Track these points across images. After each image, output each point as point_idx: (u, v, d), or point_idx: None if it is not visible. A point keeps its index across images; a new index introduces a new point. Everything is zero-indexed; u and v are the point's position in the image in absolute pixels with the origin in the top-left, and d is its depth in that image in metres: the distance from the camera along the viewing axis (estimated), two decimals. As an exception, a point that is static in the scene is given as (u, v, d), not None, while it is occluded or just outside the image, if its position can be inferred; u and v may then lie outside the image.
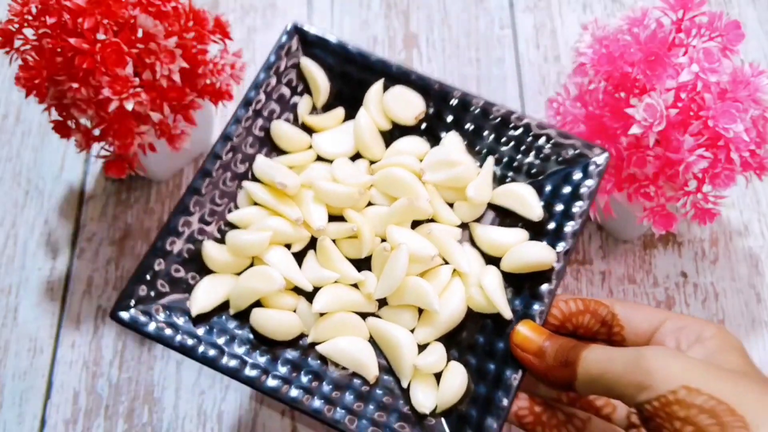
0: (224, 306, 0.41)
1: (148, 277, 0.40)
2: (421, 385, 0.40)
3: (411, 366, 0.40)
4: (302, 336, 0.41)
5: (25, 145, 0.63)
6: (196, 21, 0.51)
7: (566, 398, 0.39)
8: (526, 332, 0.36)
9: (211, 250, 0.42)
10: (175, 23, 0.49)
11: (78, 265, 0.58)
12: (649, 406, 0.29)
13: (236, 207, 0.44)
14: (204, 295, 0.41)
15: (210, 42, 0.52)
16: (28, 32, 0.48)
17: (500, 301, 0.39)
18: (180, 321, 0.40)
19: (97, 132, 0.51)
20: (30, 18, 0.48)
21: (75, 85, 0.46)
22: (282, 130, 0.45)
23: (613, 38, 0.48)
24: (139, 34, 0.48)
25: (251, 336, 0.41)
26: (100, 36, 0.46)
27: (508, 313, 0.39)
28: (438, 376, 0.40)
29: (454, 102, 0.45)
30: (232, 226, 0.44)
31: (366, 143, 0.45)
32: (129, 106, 0.46)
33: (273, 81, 0.46)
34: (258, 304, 0.41)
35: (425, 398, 0.39)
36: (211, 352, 0.39)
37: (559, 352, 0.34)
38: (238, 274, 0.42)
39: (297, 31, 0.46)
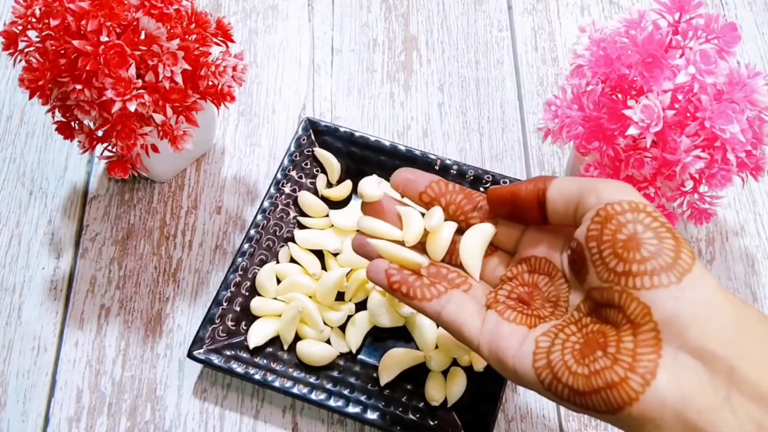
0: (275, 340, 0.54)
1: (211, 325, 0.52)
2: (433, 383, 0.51)
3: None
4: (337, 360, 0.53)
5: (29, 146, 0.64)
6: (198, 23, 0.51)
7: (427, 272, 0.39)
8: (496, 188, 0.38)
9: (258, 303, 0.55)
10: (177, 25, 0.50)
11: (81, 265, 0.58)
12: (618, 206, 0.32)
13: (277, 261, 0.57)
14: (257, 333, 0.53)
15: (212, 44, 0.52)
16: (32, 34, 0.49)
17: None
18: (242, 354, 0.52)
19: (100, 133, 0.51)
20: (34, 20, 0.48)
21: (78, 87, 0.47)
22: (306, 199, 0.58)
23: (611, 40, 0.48)
24: (142, 36, 0.48)
25: (297, 362, 0.53)
26: (104, 38, 0.46)
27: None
28: (444, 377, 0.52)
29: (436, 167, 0.58)
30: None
31: None
32: (132, 107, 0.47)
33: (292, 166, 0.59)
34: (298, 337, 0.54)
35: (436, 393, 0.51)
36: (269, 377, 0.51)
37: (530, 181, 0.37)
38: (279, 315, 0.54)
39: (310, 123, 0.60)
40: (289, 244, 0.57)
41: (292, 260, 0.57)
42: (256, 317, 0.54)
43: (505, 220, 0.39)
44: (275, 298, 0.55)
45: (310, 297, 0.54)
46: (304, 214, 0.59)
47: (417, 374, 0.52)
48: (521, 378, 0.33)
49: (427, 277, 0.38)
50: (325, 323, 0.53)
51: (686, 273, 0.30)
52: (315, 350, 0.52)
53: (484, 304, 0.37)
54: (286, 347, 0.53)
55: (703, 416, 0.28)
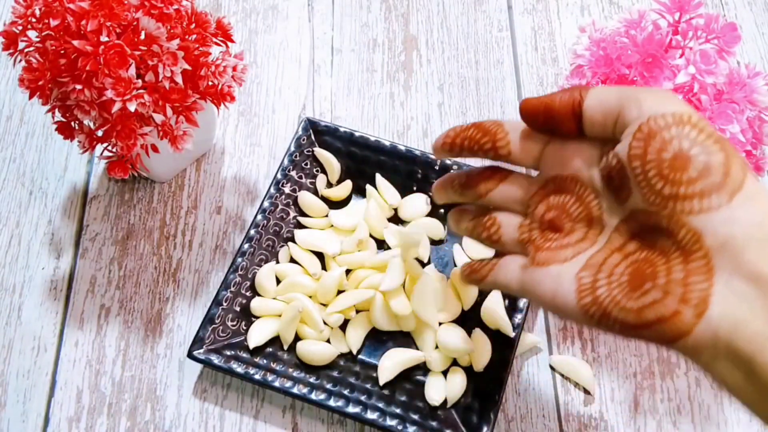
0: (275, 340, 0.54)
1: (211, 325, 0.52)
2: (433, 383, 0.51)
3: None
4: (337, 360, 0.53)
5: (29, 146, 0.64)
6: (198, 23, 0.51)
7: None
8: (529, 99, 0.36)
9: (258, 303, 0.55)
10: (177, 26, 0.50)
11: (81, 265, 0.58)
12: (661, 120, 0.30)
13: (277, 261, 0.57)
14: (257, 333, 0.53)
15: (212, 44, 0.52)
16: (32, 34, 0.49)
17: (503, 320, 0.52)
18: (242, 354, 0.52)
19: (100, 133, 0.51)
20: (34, 20, 0.48)
21: (78, 87, 0.47)
22: (306, 199, 0.59)
23: (611, 40, 0.48)
24: (142, 36, 0.48)
25: (297, 362, 0.53)
26: (103, 38, 0.46)
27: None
28: (445, 377, 0.52)
29: (436, 167, 0.58)
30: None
31: (373, 226, 0.57)
32: (132, 107, 0.47)
33: (292, 166, 0.59)
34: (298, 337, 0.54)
35: (435, 393, 0.51)
36: (269, 377, 0.51)
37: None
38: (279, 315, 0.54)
39: (310, 123, 0.60)
40: (289, 244, 0.57)
41: (293, 260, 0.57)
42: (256, 317, 0.54)
43: (539, 132, 0.37)
44: (275, 299, 0.55)
45: (310, 297, 0.54)
46: (304, 214, 0.59)
47: (417, 374, 0.52)
48: (567, 315, 0.32)
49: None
50: (324, 323, 0.53)
51: (737, 191, 0.28)
52: (315, 350, 0.52)
53: (518, 241, 0.37)
54: (286, 347, 0.53)
55: (752, 344, 0.27)
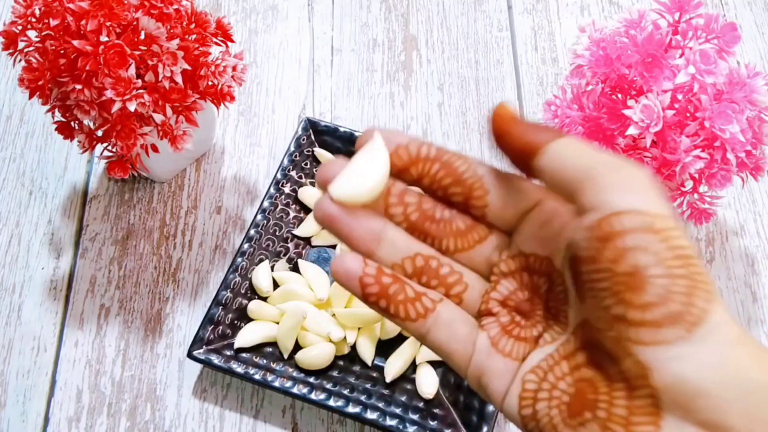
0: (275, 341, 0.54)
1: (211, 325, 0.52)
2: (424, 376, 0.52)
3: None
4: (337, 360, 0.53)
5: (29, 145, 0.64)
6: (198, 23, 0.51)
7: (411, 267, 0.29)
8: (505, 109, 0.28)
9: (255, 306, 0.54)
10: (177, 25, 0.50)
11: (81, 265, 0.58)
12: (627, 220, 0.24)
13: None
14: (246, 335, 0.53)
15: (212, 44, 0.52)
16: (32, 34, 0.49)
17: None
18: (242, 354, 0.52)
19: (100, 133, 0.51)
20: (34, 20, 0.48)
21: (78, 87, 0.47)
22: (308, 193, 0.59)
23: (610, 40, 0.48)
24: (142, 36, 0.48)
25: (296, 365, 0.53)
26: (103, 38, 0.46)
27: None
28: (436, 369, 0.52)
29: None
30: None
31: None
32: (131, 107, 0.47)
33: (292, 166, 0.59)
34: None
35: (427, 387, 0.51)
36: (269, 377, 0.51)
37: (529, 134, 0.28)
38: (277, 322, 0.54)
39: (310, 123, 0.60)
40: (299, 261, 0.57)
41: (297, 270, 0.57)
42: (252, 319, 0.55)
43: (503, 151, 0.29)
44: (270, 301, 0.55)
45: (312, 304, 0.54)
46: (305, 210, 0.59)
47: (417, 374, 0.52)
48: (510, 418, 0.28)
49: (411, 281, 0.29)
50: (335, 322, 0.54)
51: (698, 324, 0.23)
52: (313, 354, 0.52)
53: (476, 312, 0.29)
54: (286, 356, 0.53)
55: None
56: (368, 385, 0.52)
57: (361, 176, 0.28)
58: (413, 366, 0.53)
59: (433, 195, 0.30)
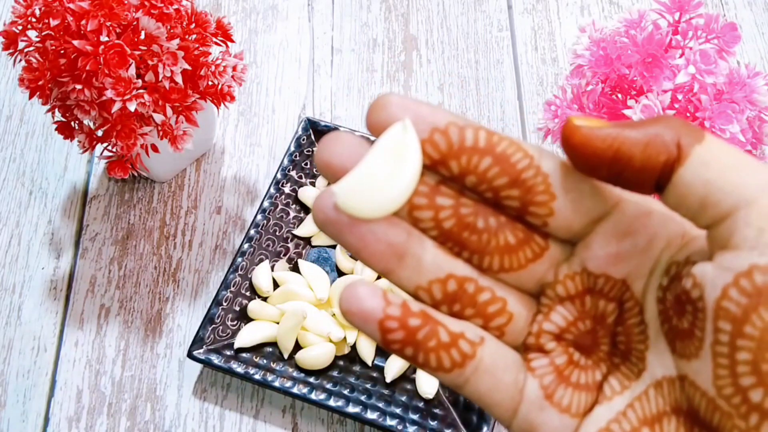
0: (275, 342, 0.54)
1: (211, 325, 0.52)
2: (424, 377, 0.51)
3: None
4: (337, 360, 0.53)
5: (29, 145, 0.64)
6: (198, 23, 0.51)
7: (441, 291, 0.22)
8: (585, 133, 0.20)
9: (255, 306, 0.54)
10: (177, 25, 0.50)
11: (81, 265, 0.58)
12: (761, 273, 0.18)
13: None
14: (247, 335, 0.53)
15: (212, 44, 0.52)
16: (32, 34, 0.49)
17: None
18: (242, 354, 0.52)
19: (100, 133, 0.51)
20: (34, 20, 0.48)
21: (78, 87, 0.47)
22: (308, 193, 0.59)
23: (611, 40, 0.48)
24: (142, 36, 0.48)
25: (296, 365, 0.52)
26: (103, 38, 0.46)
27: None
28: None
29: None
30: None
31: None
32: (132, 107, 0.47)
33: (292, 166, 0.59)
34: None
35: (428, 386, 0.51)
36: (269, 377, 0.51)
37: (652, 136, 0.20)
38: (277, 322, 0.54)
39: (310, 123, 0.60)
40: (299, 261, 0.57)
41: (297, 270, 0.57)
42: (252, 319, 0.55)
43: (597, 179, 0.21)
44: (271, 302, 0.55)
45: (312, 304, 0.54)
46: (305, 210, 0.59)
47: (417, 374, 0.52)
48: None
49: (440, 313, 0.22)
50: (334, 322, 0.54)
51: None
52: (313, 354, 0.52)
53: (521, 344, 0.22)
54: (286, 356, 0.53)
55: None
56: (368, 385, 0.52)
57: (379, 182, 0.20)
58: (413, 366, 0.53)
59: (479, 196, 0.22)
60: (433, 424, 0.49)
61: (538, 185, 0.21)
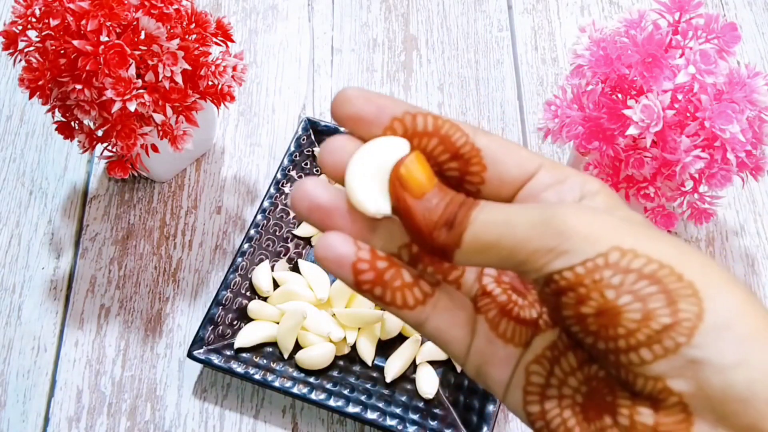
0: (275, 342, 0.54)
1: (211, 325, 0.52)
2: (424, 377, 0.52)
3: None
4: (337, 360, 0.53)
5: (29, 145, 0.64)
6: (198, 23, 0.51)
7: (407, 255, 0.26)
8: (414, 168, 0.24)
9: (255, 306, 0.54)
10: (177, 25, 0.50)
11: (81, 265, 0.58)
12: (569, 273, 0.22)
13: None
14: (247, 335, 0.53)
15: (212, 44, 0.52)
16: (32, 34, 0.49)
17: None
18: (242, 354, 0.52)
19: (100, 133, 0.51)
20: (34, 20, 0.48)
21: (78, 87, 0.47)
22: None
23: (611, 40, 0.48)
24: (142, 36, 0.48)
25: (296, 365, 0.53)
26: (103, 38, 0.46)
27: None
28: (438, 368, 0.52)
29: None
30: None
31: None
32: (132, 107, 0.47)
33: (292, 166, 0.59)
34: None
35: (427, 386, 0.51)
36: (269, 377, 0.51)
37: (447, 209, 0.24)
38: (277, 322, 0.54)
39: (310, 123, 0.60)
40: (299, 261, 0.57)
41: (297, 270, 0.57)
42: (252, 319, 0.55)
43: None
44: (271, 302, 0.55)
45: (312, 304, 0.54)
46: None
47: (417, 374, 0.52)
48: (514, 413, 0.26)
49: (408, 264, 0.26)
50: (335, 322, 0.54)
51: (695, 327, 0.21)
52: (313, 355, 0.52)
53: (473, 296, 0.27)
54: (286, 356, 0.53)
55: None
56: (368, 385, 0.52)
57: (382, 189, 0.24)
58: (413, 366, 0.53)
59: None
60: (433, 424, 0.49)
61: (472, 158, 0.26)
